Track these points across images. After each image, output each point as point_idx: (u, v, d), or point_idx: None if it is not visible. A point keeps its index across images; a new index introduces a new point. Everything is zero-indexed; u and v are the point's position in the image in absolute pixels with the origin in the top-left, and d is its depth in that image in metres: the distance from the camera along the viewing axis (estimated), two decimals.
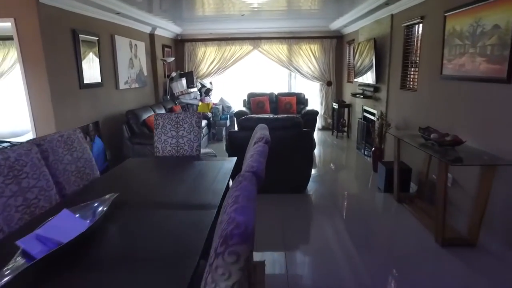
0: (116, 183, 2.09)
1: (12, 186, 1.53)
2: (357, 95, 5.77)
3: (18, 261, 1.14)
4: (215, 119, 6.83)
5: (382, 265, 2.45)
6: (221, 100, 7.33)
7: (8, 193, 1.50)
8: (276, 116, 3.84)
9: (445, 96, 3.21)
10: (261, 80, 8.07)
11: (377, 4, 4.39)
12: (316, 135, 7.26)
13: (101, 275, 1.15)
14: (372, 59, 4.87)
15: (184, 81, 7.02)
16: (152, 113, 5.35)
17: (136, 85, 5.66)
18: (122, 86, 5.11)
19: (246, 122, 3.78)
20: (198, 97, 7.27)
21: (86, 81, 4.17)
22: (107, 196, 1.72)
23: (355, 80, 6.03)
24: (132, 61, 5.51)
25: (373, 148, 4.68)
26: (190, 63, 7.67)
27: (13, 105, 5.63)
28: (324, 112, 7.80)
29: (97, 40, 4.42)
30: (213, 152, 4.25)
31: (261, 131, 1.75)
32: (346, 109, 6.97)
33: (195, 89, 7.26)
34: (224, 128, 6.81)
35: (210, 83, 7.79)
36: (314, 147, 3.83)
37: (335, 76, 7.59)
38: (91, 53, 4.30)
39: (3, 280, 1.04)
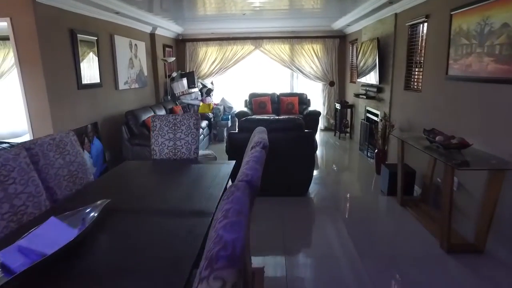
0: (110, 187, 2.02)
1: None
2: (360, 96, 5.68)
3: None
4: (216, 120, 6.77)
5: (385, 271, 2.38)
6: (223, 100, 7.26)
7: None
8: (277, 117, 3.77)
9: (450, 97, 3.11)
10: (263, 80, 7.99)
11: (380, 3, 4.30)
12: (319, 135, 7.18)
13: None
14: (375, 59, 4.78)
15: (185, 81, 6.96)
16: (152, 113, 5.29)
17: (136, 86, 5.61)
18: (121, 86, 5.05)
19: (246, 123, 3.71)
20: (199, 98, 7.21)
21: (84, 81, 4.11)
22: (98, 202, 1.66)
23: (358, 80, 5.94)
24: (132, 61, 5.46)
25: (376, 150, 4.59)
26: (191, 63, 7.61)
27: (13, 105, 5.59)
28: (327, 113, 7.71)
29: (96, 40, 4.36)
30: (213, 154, 4.18)
31: (259, 135, 1.68)
32: (348, 110, 6.88)
33: (196, 89, 7.19)
34: (225, 129, 6.74)
35: (211, 83, 7.73)
36: (315, 149, 3.75)
37: (337, 76, 7.50)
38: (90, 53, 4.25)
39: None
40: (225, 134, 6.66)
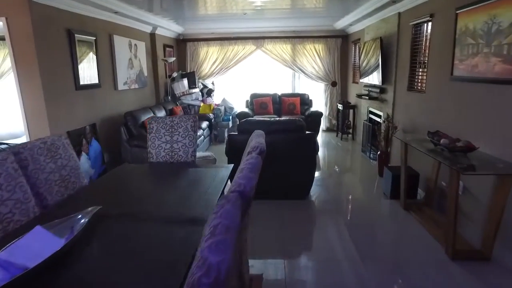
0: (103, 192, 1.96)
1: None
2: (363, 96, 5.59)
3: None
4: (217, 121, 6.70)
5: (387, 276, 2.30)
6: (224, 101, 7.19)
7: None
8: (277, 119, 3.69)
9: (456, 99, 3.03)
10: (264, 81, 7.91)
11: (383, 2, 4.22)
12: (321, 136, 7.10)
13: None
14: (378, 59, 4.69)
15: (185, 81, 6.90)
16: (152, 114, 5.23)
17: (136, 86, 5.55)
18: (121, 87, 5.00)
19: (245, 125, 3.64)
20: (200, 98, 7.15)
21: (82, 82, 4.06)
22: (89, 209, 1.60)
23: (361, 80, 5.85)
24: (132, 61, 5.40)
25: (378, 152, 4.50)
26: (192, 63, 7.55)
27: (12, 106, 5.55)
28: (329, 113, 7.62)
29: (94, 40, 4.31)
30: (212, 156, 4.11)
31: (256, 139, 1.61)
32: (351, 111, 6.79)
33: (196, 90, 7.13)
34: (226, 130, 6.67)
35: (212, 83, 7.66)
36: (317, 151, 3.67)
37: (340, 77, 7.41)
38: (88, 54, 4.19)
39: None
40: (226, 135, 6.59)
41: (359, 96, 5.78)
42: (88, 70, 4.19)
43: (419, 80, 3.90)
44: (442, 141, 2.74)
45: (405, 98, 4.21)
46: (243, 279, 1.37)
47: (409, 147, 3.25)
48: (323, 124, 7.53)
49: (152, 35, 6.26)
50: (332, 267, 2.44)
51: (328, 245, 2.75)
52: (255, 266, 2.44)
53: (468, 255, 2.48)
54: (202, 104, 6.95)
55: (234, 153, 3.56)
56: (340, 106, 6.90)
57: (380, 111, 5.08)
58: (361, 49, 5.63)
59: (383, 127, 4.64)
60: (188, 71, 7.38)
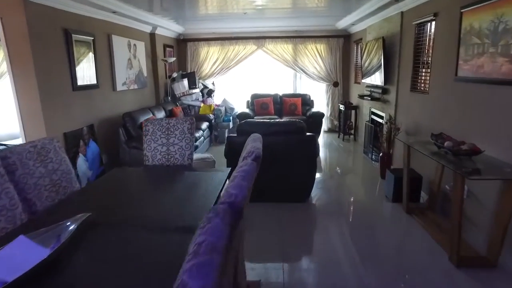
0: (95, 197, 1.90)
1: None
2: (365, 97, 5.51)
3: None
4: (218, 121, 6.64)
5: (389, 283, 2.23)
6: (224, 101, 7.13)
7: None
8: (277, 120, 3.62)
9: (460, 100, 2.95)
10: (265, 81, 7.84)
11: (386, 1, 4.14)
12: (322, 137, 7.03)
13: None
14: (381, 59, 4.61)
15: (185, 81, 6.84)
16: (151, 115, 5.17)
17: (135, 86, 5.50)
18: (119, 87, 4.94)
19: (245, 126, 3.57)
20: (200, 98, 7.09)
21: (80, 82, 4.00)
22: (78, 216, 1.54)
23: (363, 81, 5.77)
24: (131, 62, 5.35)
25: (380, 154, 4.42)
26: (193, 63, 7.49)
27: (11, 106, 5.51)
28: (330, 114, 7.54)
29: (92, 40, 4.25)
30: (211, 158, 4.05)
31: (252, 144, 1.54)
32: (353, 111, 6.71)
33: (197, 90, 7.07)
34: (226, 130, 6.61)
35: (213, 83, 7.60)
36: (317, 153, 3.60)
37: (341, 77, 7.33)
38: (85, 54, 4.14)
39: None
40: (226, 136, 6.52)
41: (361, 96, 5.70)
42: (85, 71, 4.13)
43: (422, 81, 3.82)
44: (446, 143, 2.66)
45: (407, 99, 4.13)
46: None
47: (412, 149, 3.17)
48: (324, 125, 7.44)
49: (152, 35, 6.20)
50: (332, 271, 2.37)
51: (328, 249, 2.67)
52: (253, 270, 2.37)
53: (473, 261, 2.41)
54: (202, 104, 6.89)
55: (233, 155, 3.49)
56: (342, 107, 6.83)
57: (382, 112, 5.00)
58: (363, 49, 5.55)
59: (385, 129, 4.56)
60: (189, 71, 7.32)
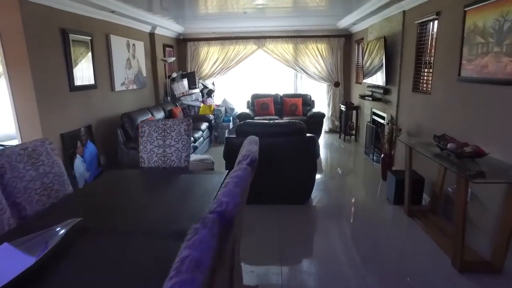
0: (87, 201, 1.85)
1: None
2: (366, 97, 5.44)
3: None
4: (217, 121, 6.59)
5: None
6: (224, 101, 7.08)
7: None
8: (276, 121, 3.57)
9: (463, 101, 2.88)
10: (265, 81, 7.78)
11: (387, 0, 4.07)
12: (323, 138, 6.97)
13: None
14: (382, 59, 4.55)
15: (185, 82, 6.79)
16: (150, 115, 5.13)
17: (134, 87, 5.45)
18: (118, 87, 4.90)
19: (244, 127, 3.52)
20: (200, 99, 7.04)
21: (77, 83, 3.96)
22: (68, 221, 1.49)
23: (364, 81, 5.70)
24: (130, 62, 5.30)
25: (382, 155, 4.36)
26: (193, 63, 7.44)
27: (7, 107, 5.47)
28: (331, 114, 7.47)
29: (90, 40, 4.20)
30: (210, 159, 4.00)
31: (248, 147, 1.48)
32: (354, 112, 6.64)
33: (197, 90, 7.02)
34: (226, 131, 6.56)
35: (213, 84, 7.55)
36: (317, 155, 3.54)
37: (343, 77, 7.26)
38: (83, 54, 4.09)
39: None
40: (225, 137, 6.47)
41: (362, 97, 5.64)
42: (83, 71, 4.09)
43: (425, 81, 3.75)
44: (449, 145, 2.60)
45: (409, 100, 4.07)
46: None
47: (414, 150, 3.11)
48: (325, 125, 7.39)
49: (151, 35, 6.15)
50: (332, 275, 2.31)
51: (328, 252, 2.62)
52: (251, 273, 2.32)
53: (477, 266, 2.34)
54: (202, 105, 6.84)
55: (232, 157, 3.43)
56: (343, 107, 6.76)
57: (384, 112, 4.93)
58: (365, 48, 5.49)
59: (386, 129, 4.49)
60: (188, 71, 7.28)
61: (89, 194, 1.97)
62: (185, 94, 6.74)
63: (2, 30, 3.08)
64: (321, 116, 6.36)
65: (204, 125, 5.94)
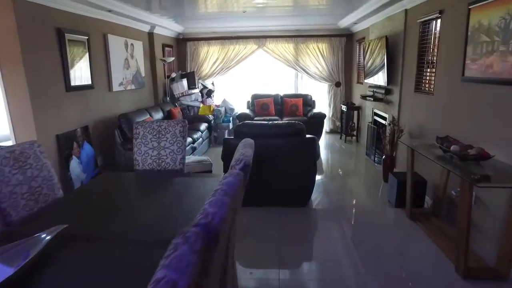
0: (76, 206, 1.78)
1: None
2: (367, 98, 5.36)
3: None
4: (217, 122, 6.53)
5: None
6: (224, 101, 7.01)
7: None
8: (275, 122, 3.50)
9: (467, 101, 2.80)
10: (266, 81, 7.70)
11: None
12: (324, 138, 6.89)
13: None
14: (384, 59, 4.47)
15: (185, 82, 6.73)
16: (148, 116, 5.06)
17: (133, 87, 5.39)
18: (116, 88, 4.83)
19: (242, 128, 3.45)
20: (200, 99, 6.97)
21: (73, 83, 3.89)
22: (53, 228, 1.42)
23: (365, 81, 5.62)
24: (128, 62, 5.24)
25: (383, 156, 4.28)
26: (193, 63, 7.37)
27: (2, 107, 5.42)
28: (332, 115, 7.39)
29: (87, 39, 4.14)
30: (208, 160, 3.93)
31: (242, 150, 1.41)
32: (355, 112, 6.56)
33: (196, 91, 6.95)
34: (226, 131, 6.49)
35: (212, 84, 7.48)
36: (318, 156, 3.47)
37: (344, 77, 7.18)
38: (80, 54, 4.03)
39: None
40: (226, 137, 6.40)
41: (364, 97, 5.55)
42: (80, 71, 4.03)
43: (427, 81, 3.67)
44: (452, 147, 2.52)
45: (411, 100, 3.99)
46: None
47: (416, 152, 3.03)
48: (326, 126, 7.31)
49: (150, 35, 6.09)
50: (332, 280, 2.24)
51: (328, 256, 2.55)
52: (249, 275, 2.25)
53: (482, 273, 2.27)
54: (201, 105, 6.78)
55: (230, 159, 3.36)
56: (344, 108, 6.68)
57: (385, 113, 4.85)
58: (366, 48, 5.41)
59: (388, 130, 4.41)
60: (188, 71, 7.21)
61: (79, 198, 1.90)
62: (184, 94, 6.67)
63: None
64: (322, 116, 6.28)
65: (203, 126, 5.87)
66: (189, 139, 4.95)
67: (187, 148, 4.74)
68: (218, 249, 0.86)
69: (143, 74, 5.77)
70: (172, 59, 6.57)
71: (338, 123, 7.32)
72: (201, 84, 7.24)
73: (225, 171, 3.38)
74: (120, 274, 1.19)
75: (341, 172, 4.79)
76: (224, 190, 0.96)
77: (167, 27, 6.32)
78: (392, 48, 4.45)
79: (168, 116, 5.78)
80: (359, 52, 6.55)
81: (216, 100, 7.42)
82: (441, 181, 3.05)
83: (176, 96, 6.60)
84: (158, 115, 5.44)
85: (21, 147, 1.78)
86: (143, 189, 2.07)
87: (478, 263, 2.35)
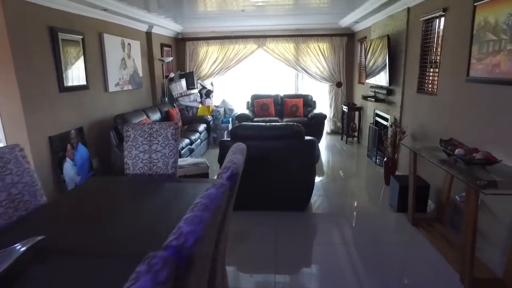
0: (59, 215, 1.68)
1: None
2: (368, 98, 5.25)
3: None
4: (216, 123, 6.43)
5: None
6: (223, 102, 6.91)
7: None
8: (273, 123, 3.39)
9: (472, 102, 2.69)
10: (265, 81, 7.59)
11: None
12: (325, 139, 6.78)
13: None
14: (386, 59, 4.36)
15: (183, 82, 6.64)
16: (145, 117, 4.97)
17: (130, 87, 5.30)
18: (112, 88, 4.74)
19: (239, 130, 3.35)
20: (198, 99, 6.88)
21: (67, 83, 3.80)
22: (28, 240, 1.33)
23: (367, 81, 5.51)
24: (125, 62, 5.15)
25: (385, 159, 4.16)
26: (192, 63, 7.28)
27: None
28: (333, 115, 7.28)
29: (82, 39, 4.05)
30: (205, 162, 3.83)
31: (231, 156, 1.31)
32: (356, 113, 6.45)
33: (195, 91, 6.86)
34: (225, 132, 6.40)
35: (211, 84, 7.38)
36: (317, 159, 3.37)
37: (345, 77, 7.07)
38: (74, 53, 3.94)
39: None
40: (225, 138, 6.31)
41: (365, 97, 5.44)
42: (74, 71, 3.93)
43: (430, 81, 3.56)
44: (456, 151, 2.41)
45: (414, 101, 3.87)
46: None
47: (419, 155, 2.92)
48: (327, 127, 7.21)
49: (148, 34, 6.00)
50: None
51: (326, 263, 2.44)
52: (244, 282, 2.16)
53: (488, 284, 2.16)
54: (200, 105, 6.69)
55: None
56: (345, 108, 6.57)
57: (387, 114, 4.74)
58: (367, 48, 5.30)
59: (390, 132, 4.30)
60: (187, 71, 7.12)
61: (62, 206, 1.81)
62: (183, 94, 6.58)
63: None
64: (322, 117, 6.17)
65: (202, 127, 5.78)
66: (186, 141, 4.85)
67: (184, 149, 4.66)
68: (194, 273, 0.75)
69: (140, 74, 5.68)
70: (170, 59, 6.48)
71: (339, 124, 7.21)
72: (200, 84, 7.15)
73: None
74: None
75: (342, 174, 4.68)
76: (204, 204, 0.86)
77: (165, 26, 6.23)
78: (394, 48, 4.34)
79: (166, 116, 5.69)
80: (361, 51, 6.44)
81: (215, 100, 7.33)
82: (445, 185, 2.94)
83: (174, 97, 6.51)
84: (156, 115, 5.35)
85: (0, 151, 1.69)
86: (131, 196, 1.98)
87: (485, 273, 2.24)
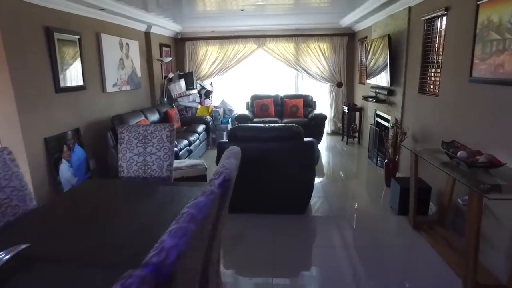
0: (48, 220, 1.63)
1: None
2: (369, 99, 5.18)
3: None
4: (215, 123, 6.38)
5: None
6: (223, 102, 6.86)
7: None
8: (272, 125, 3.33)
9: (475, 103, 2.62)
10: (265, 81, 7.53)
11: None
12: (325, 140, 6.72)
13: None
14: (386, 59, 4.30)
15: (183, 82, 6.58)
16: (143, 118, 4.92)
17: (128, 88, 5.25)
18: (109, 88, 4.69)
19: (237, 131, 3.30)
20: (198, 100, 6.82)
21: (64, 84, 3.75)
22: (12, 248, 1.28)
23: (367, 81, 5.45)
24: (123, 62, 5.10)
25: (386, 160, 4.10)
26: (191, 63, 7.23)
27: None
28: (334, 116, 7.22)
29: (78, 39, 4.01)
30: (203, 164, 3.77)
31: (224, 161, 1.26)
32: (357, 113, 6.39)
33: (194, 91, 6.81)
34: (225, 133, 6.34)
35: (211, 84, 7.33)
36: (317, 161, 3.31)
37: (345, 77, 7.00)
38: (70, 54, 3.89)
39: None
40: (225, 139, 6.25)
41: (366, 98, 5.38)
42: (70, 71, 3.89)
43: (432, 82, 3.50)
44: (459, 153, 2.35)
45: (415, 102, 3.81)
46: None
47: (420, 158, 2.86)
48: (328, 127, 7.14)
49: (147, 34, 5.95)
50: None
51: (326, 267, 2.39)
52: (243, 286, 2.11)
53: None
54: (199, 106, 6.63)
55: None
56: (345, 109, 6.51)
57: (388, 114, 4.68)
58: (368, 47, 5.23)
59: (391, 133, 4.24)
60: (186, 72, 7.07)
61: (53, 210, 1.76)
62: (182, 95, 6.53)
63: None
64: (323, 118, 6.11)
65: (201, 127, 5.73)
66: (185, 142, 4.80)
67: (182, 151, 4.60)
68: None
69: (139, 75, 5.63)
70: (169, 59, 6.43)
71: (339, 125, 7.15)
72: (199, 84, 7.10)
73: None
74: None
75: (342, 175, 4.62)
76: (190, 215, 0.80)
77: (164, 26, 6.18)
78: (395, 48, 4.28)
79: (165, 117, 5.64)
80: (361, 51, 6.37)
81: (214, 101, 7.27)
82: (447, 187, 2.87)
83: (173, 97, 6.46)
84: (154, 116, 5.30)
85: None
86: (124, 199, 1.92)
87: (488, 279, 2.18)
